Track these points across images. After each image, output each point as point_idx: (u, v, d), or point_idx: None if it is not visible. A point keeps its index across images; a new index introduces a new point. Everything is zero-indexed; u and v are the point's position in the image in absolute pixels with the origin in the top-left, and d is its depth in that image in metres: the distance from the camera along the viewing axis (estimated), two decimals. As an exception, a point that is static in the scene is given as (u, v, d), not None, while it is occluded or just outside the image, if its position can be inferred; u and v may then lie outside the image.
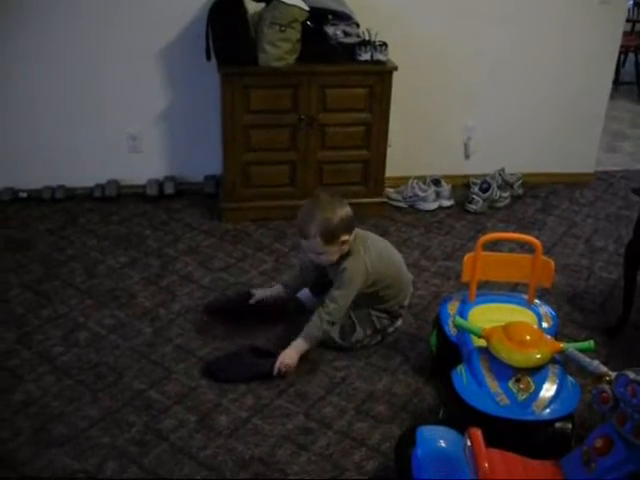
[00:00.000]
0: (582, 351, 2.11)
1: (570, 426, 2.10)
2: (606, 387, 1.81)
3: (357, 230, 2.67)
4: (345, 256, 2.63)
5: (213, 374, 2.61)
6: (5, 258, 3.35)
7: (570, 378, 2.20)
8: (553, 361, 2.19)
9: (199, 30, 3.54)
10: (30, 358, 2.68)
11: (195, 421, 2.41)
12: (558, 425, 2.09)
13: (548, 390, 2.13)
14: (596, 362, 1.97)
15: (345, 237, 2.56)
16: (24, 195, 3.88)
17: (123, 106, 3.83)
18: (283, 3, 3.38)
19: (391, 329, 2.85)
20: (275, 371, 2.56)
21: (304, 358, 2.67)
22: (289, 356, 2.59)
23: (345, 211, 2.57)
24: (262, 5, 3.50)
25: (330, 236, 2.53)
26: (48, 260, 3.34)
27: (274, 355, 2.62)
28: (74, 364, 2.65)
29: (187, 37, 3.69)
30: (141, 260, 3.37)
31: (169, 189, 3.93)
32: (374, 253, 2.67)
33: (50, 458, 2.24)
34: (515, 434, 2.07)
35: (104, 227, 3.67)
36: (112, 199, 3.91)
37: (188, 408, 2.46)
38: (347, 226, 2.57)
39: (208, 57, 3.55)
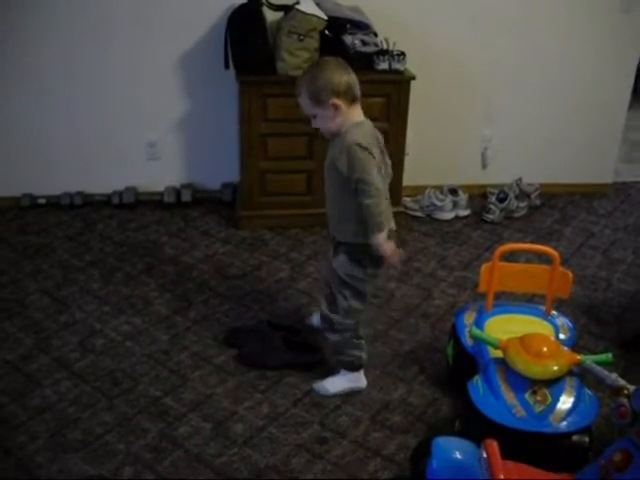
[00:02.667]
0: (600, 364, 2.10)
1: (587, 439, 2.09)
2: (624, 401, 1.80)
3: (365, 120, 2.45)
4: (343, 135, 2.38)
5: (248, 362, 2.71)
6: (24, 263, 3.37)
7: (587, 391, 2.18)
8: (570, 373, 2.18)
9: (218, 38, 3.56)
10: (47, 363, 2.70)
11: (210, 429, 2.41)
12: (575, 438, 2.08)
13: (565, 402, 2.12)
14: (614, 375, 1.96)
15: (335, 100, 2.34)
16: (43, 201, 3.91)
17: (141, 113, 3.85)
18: (302, 12, 3.40)
19: (370, 281, 2.52)
20: (393, 260, 2.38)
21: (321, 367, 2.69)
22: (387, 246, 2.34)
23: (340, 76, 2.37)
24: (281, 14, 3.52)
25: (316, 95, 2.35)
26: (66, 266, 3.36)
27: (309, 345, 2.72)
28: (90, 370, 2.67)
29: (206, 45, 3.71)
30: (158, 267, 3.38)
31: (186, 197, 3.95)
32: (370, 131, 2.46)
33: (66, 463, 2.25)
34: (531, 446, 2.06)
35: (121, 234, 3.69)
36: (130, 206, 3.93)
37: (204, 416, 2.47)
38: (338, 91, 2.34)
39: (227, 65, 3.57)
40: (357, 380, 2.63)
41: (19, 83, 3.70)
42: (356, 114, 2.42)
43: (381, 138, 2.50)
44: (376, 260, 2.44)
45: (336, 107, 2.35)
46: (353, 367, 2.60)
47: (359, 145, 2.32)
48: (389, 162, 2.52)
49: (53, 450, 2.30)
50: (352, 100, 2.39)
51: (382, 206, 2.35)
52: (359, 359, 2.59)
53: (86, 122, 3.82)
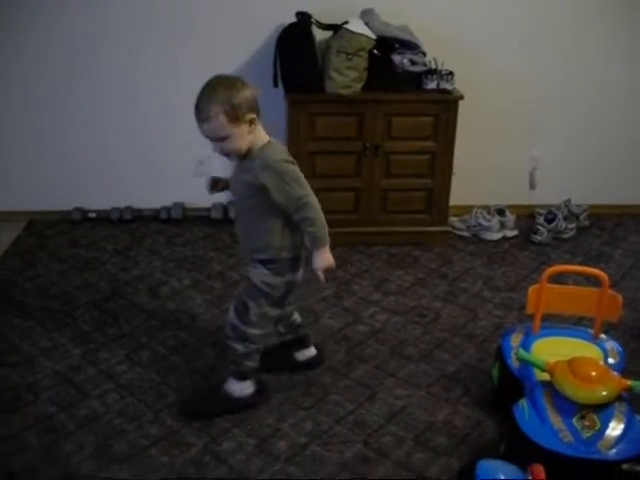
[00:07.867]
0: (651, 390, 2.05)
1: (638, 468, 2.03)
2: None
3: (272, 138, 2.42)
4: (258, 154, 2.34)
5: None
6: (74, 276, 3.44)
7: (638, 417, 2.13)
8: (620, 399, 2.14)
9: (267, 56, 3.61)
10: (95, 374, 2.74)
11: (254, 445, 2.41)
12: (625, 467, 2.03)
13: (614, 429, 2.07)
14: (666, 402, 1.92)
15: (251, 115, 2.30)
16: (93, 215, 3.99)
17: (190, 130, 3.87)
18: (351, 32, 3.42)
19: (287, 287, 2.49)
20: (323, 279, 2.43)
21: (364, 384, 2.68)
22: (324, 259, 2.39)
23: (250, 92, 2.32)
24: (330, 33, 3.56)
25: (234, 113, 2.28)
26: (114, 279, 3.42)
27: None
28: (136, 382, 2.70)
29: (255, 63, 3.76)
30: (204, 282, 3.42)
31: (233, 213, 3.97)
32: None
33: (111, 474, 2.27)
34: (579, 473, 2.02)
35: (169, 248, 3.74)
36: (177, 221, 3.99)
37: (247, 431, 2.47)
38: (252, 106, 2.31)
39: (275, 84, 3.61)
40: (247, 388, 2.58)
41: (74, 100, 3.79)
42: (262, 132, 2.39)
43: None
44: (292, 266, 2.45)
45: (252, 122, 2.32)
46: (245, 377, 2.56)
47: (286, 161, 2.33)
48: None
49: (99, 460, 2.32)
50: (259, 113, 2.35)
51: (323, 217, 2.37)
52: (252, 370, 2.56)
53: (137, 139, 3.90)
